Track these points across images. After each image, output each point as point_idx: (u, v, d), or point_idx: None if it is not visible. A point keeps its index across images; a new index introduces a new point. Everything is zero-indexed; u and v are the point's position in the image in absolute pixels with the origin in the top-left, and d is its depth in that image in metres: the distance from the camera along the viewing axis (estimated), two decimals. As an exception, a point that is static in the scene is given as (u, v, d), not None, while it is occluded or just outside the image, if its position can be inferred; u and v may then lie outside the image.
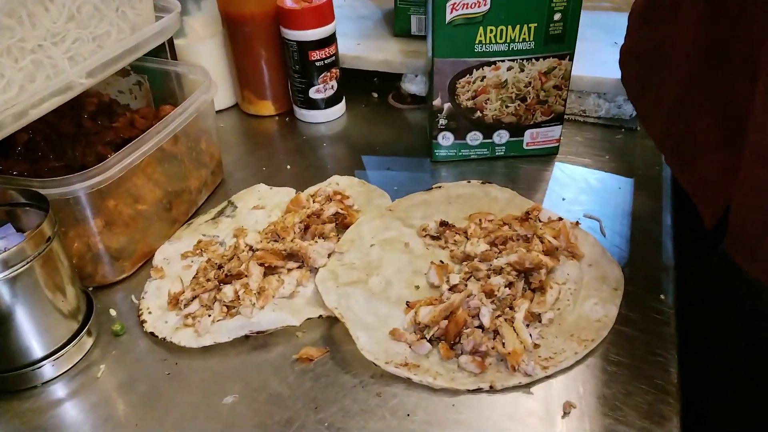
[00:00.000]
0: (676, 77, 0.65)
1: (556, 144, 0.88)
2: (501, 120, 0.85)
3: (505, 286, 0.64)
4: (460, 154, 0.88)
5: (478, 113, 0.84)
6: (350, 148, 0.96)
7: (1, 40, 0.59)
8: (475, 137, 0.86)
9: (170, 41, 0.91)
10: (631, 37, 0.75)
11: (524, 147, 0.87)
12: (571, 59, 0.81)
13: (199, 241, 0.76)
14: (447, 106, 0.83)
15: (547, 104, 0.84)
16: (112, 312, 0.69)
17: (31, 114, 0.62)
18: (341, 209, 0.78)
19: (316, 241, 0.73)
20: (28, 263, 0.57)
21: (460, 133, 0.86)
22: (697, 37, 0.60)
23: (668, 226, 0.76)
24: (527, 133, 0.86)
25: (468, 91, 0.82)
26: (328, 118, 1.01)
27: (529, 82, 0.82)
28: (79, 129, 0.83)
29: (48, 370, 0.62)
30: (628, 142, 0.92)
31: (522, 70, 0.81)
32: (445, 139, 0.86)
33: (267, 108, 1.03)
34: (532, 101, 0.83)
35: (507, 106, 0.83)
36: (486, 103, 0.83)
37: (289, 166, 0.92)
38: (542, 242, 0.69)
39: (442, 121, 0.85)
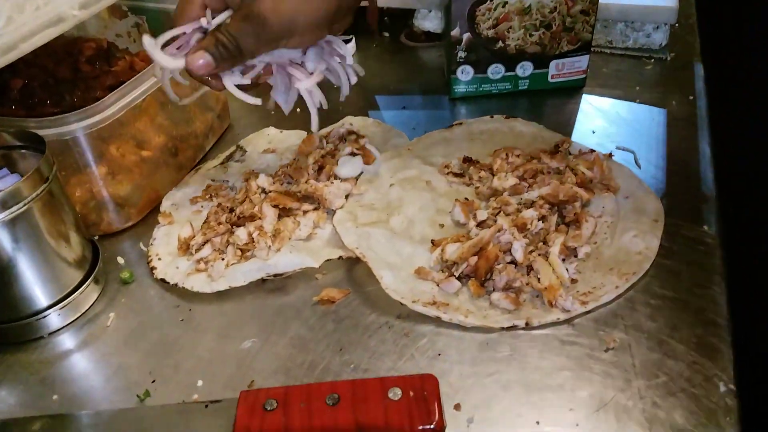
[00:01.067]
0: None
1: (583, 76, 0.83)
2: (524, 50, 0.79)
3: (538, 220, 0.60)
4: (481, 89, 0.83)
5: (500, 43, 0.79)
6: (362, 89, 0.90)
7: (-15, -35, 0.54)
8: (496, 70, 0.81)
9: (169, -20, 0.86)
10: None
11: (549, 80, 0.82)
12: (600, -20, 0.75)
13: (209, 186, 0.72)
14: (466, 36, 0.78)
15: (574, 32, 0.78)
16: (120, 260, 0.66)
17: (22, 48, 0.57)
18: (357, 149, 0.73)
19: (332, 182, 0.69)
20: (26, 205, 0.53)
21: (481, 66, 0.81)
22: None
23: (707, 157, 0.71)
24: (552, 64, 0.81)
25: (489, 19, 0.77)
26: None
27: (555, 8, 0.76)
28: (77, 74, 0.78)
29: (54, 319, 0.58)
30: (659, 72, 0.87)
31: (547, -6, 0.75)
32: (465, 73, 0.81)
33: (274, 51, 0.97)
34: (557, 28, 0.78)
35: (531, 35, 0.78)
36: (508, 32, 0.78)
37: (298, 110, 0.87)
38: (575, 174, 0.65)
39: (461, 54, 0.79)
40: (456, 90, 0.83)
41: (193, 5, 0.54)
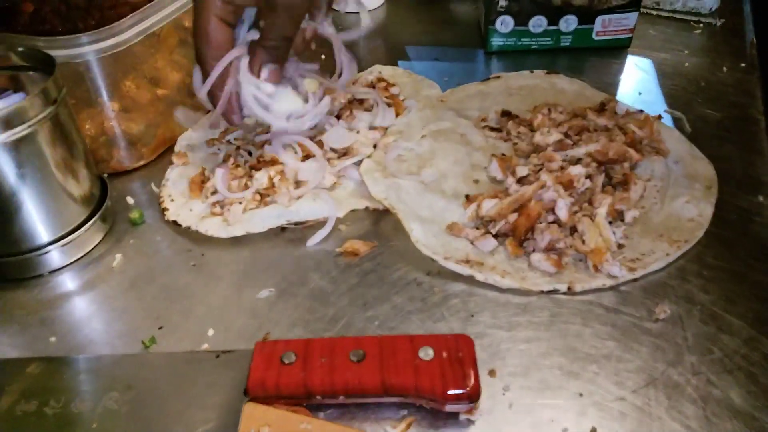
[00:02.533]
0: None
1: (629, 35, 0.77)
2: (570, 2, 0.74)
3: (585, 178, 0.55)
4: (520, 43, 0.77)
5: (546, -7, 0.73)
6: (391, 40, 0.86)
7: None
8: (538, 23, 0.75)
9: None
10: None
11: (593, 37, 0.77)
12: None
13: (227, 128, 0.67)
14: (509, -17, 0.73)
15: (625, -16, 0.73)
16: (129, 200, 0.61)
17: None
18: (387, 98, 0.69)
19: (359, 132, 0.64)
20: (31, 126, 0.49)
21: (522, 18, 0.75)
22: None
23: (762, 126, 0.66)
24: (598, 19, 0.75)
25: (535, -35, 0.71)
26: (366, 6, 0.90)
27: (607, -44, 0.71)
28: (92, 2, 0.73)
29: (56, 256, 0.54)
30: (707, 37, 0.81)
31: (600, -60, 0.70)
32: (504, 24, 0.76)
33: (299, -5, 0.92)
34: (608, -20, 0.72)
35: (579, -15, 0.73)
36: (555, -20, 0.72)
37: (323, 56, 0.82)
38: (625, 134, 0.60)
39: (502, 2, 0.74)
40: (493, 43, 0.77)
41: (221, 31, 0.52)
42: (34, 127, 0.49)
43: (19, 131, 0.48)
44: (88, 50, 0.56)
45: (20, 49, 0.55)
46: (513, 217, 0.53)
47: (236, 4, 0.51)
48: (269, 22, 0.52)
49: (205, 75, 0.54)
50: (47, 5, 0.71)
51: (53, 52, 0.55)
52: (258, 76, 0.54)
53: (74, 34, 0.66)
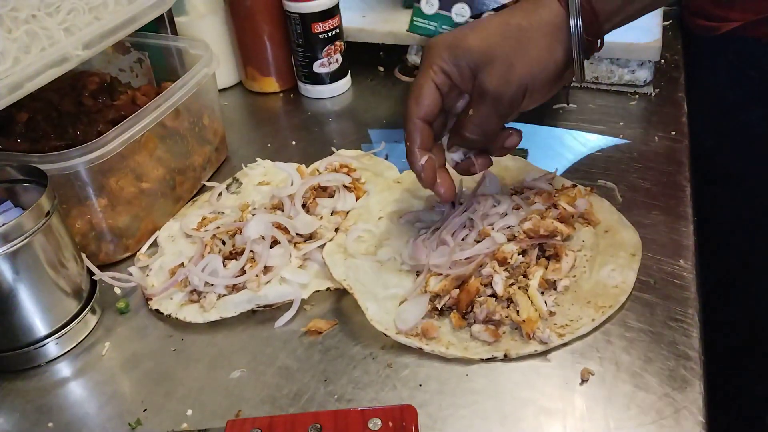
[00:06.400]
0: None
1: None
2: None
3: (519, 254, 0.62)
4: (440, 30, 0.85)
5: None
6: (356, 122, 0.94)
7: (-7, 10, 0.58)
8: (461, 11, 0.83)
9: (171, 18, 0.90)
10: None
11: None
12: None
13: (204, 218, 0.75)
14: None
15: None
16: (117, 290, 0.68)
17: (27, 87, 0.61)
18: (349, 183, 0.76)
19: (322, 217, 0.72)
20: (27, 238, 0.56)
21: (446, 3, 0.84)
22: None
23: (687, 192, 0.74)
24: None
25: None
26: (333, 93, 0.99)
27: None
28: (80, 108, 0.81)
29: (52, 348, 0.61)
30: (643, 108, 0.89)
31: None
32: (430, 5, 0.84)
33: (271, 85, 1.01)
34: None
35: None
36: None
37: (294, 142, 0.90)
38: (557, 209, 0.67)
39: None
40: (415, 23, 0.86)
41: (433, 96, 0.58)
42: (30, 238, 0.56)
43: (17, 243, 0.55)
44: (77, 162, 0.63)
45: (15, 164, 0.63)
46: (456, 292, 0.60)
47: (453, 82, 0.58)
48: (476, 111, 0.57)
49: (407, 132, 0.60)
50: (40, 113, 0.78)
51: (46, 166, 0.62)
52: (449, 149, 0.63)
53: (65, 142, 0.74)
